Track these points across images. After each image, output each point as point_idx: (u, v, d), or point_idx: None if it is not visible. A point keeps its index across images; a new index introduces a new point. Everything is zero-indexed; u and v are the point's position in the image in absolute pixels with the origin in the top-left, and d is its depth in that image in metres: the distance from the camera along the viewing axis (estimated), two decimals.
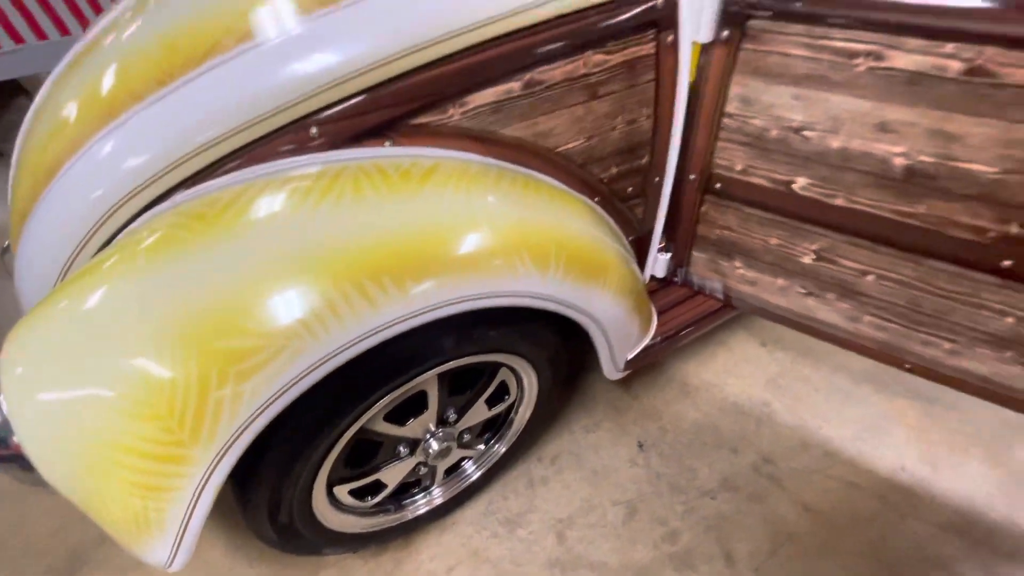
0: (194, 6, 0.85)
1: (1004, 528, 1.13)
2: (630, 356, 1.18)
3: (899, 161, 0.82)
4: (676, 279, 1.30)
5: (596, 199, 1.04)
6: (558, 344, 1.04)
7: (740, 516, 1.18)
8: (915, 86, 0.75)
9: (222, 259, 0.68)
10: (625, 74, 0.89)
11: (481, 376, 1.04)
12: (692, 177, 1.06)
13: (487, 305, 0.79)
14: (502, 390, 1.10)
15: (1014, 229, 0.78)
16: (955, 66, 0.71)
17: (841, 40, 0.77)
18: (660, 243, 1.23)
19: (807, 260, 1.03)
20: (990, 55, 0.68)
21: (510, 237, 0.81)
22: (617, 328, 1.06)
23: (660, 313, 1.26)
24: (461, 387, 1.03)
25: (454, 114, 0.83)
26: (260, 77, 0.77)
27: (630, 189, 1.07)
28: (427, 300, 0.72)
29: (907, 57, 0.73)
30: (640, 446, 1.32)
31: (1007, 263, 0.82)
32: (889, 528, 1.14)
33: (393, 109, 0.80)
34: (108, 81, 0.85)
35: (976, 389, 1.01)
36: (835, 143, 0.85)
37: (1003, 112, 0.71)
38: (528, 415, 1.16)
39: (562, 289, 0.88)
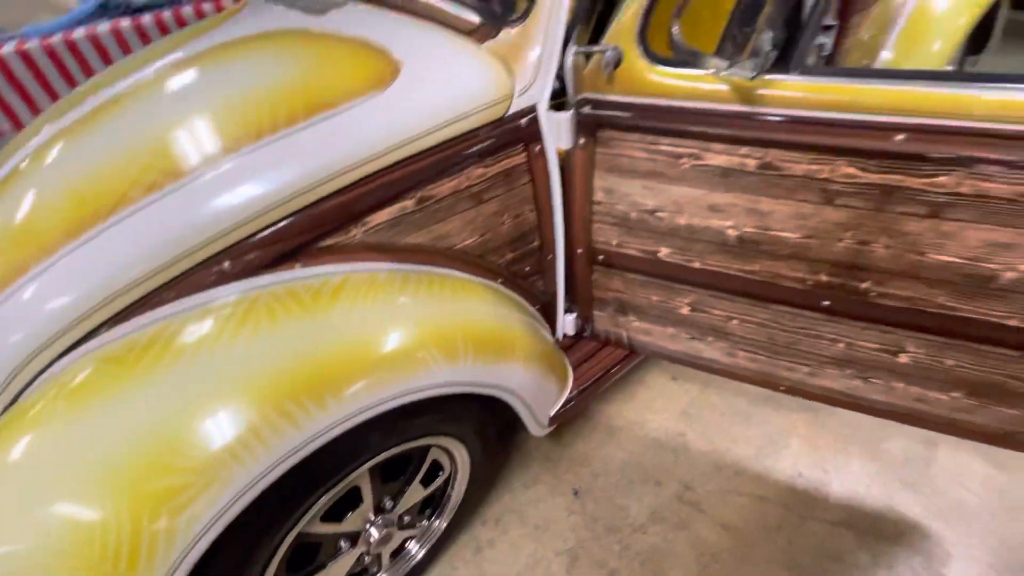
0: (99, 158, 0.92)
1: (884, 515, 1.31)
2: (552, 412, 1.29)
3: (731, 232, 1.00)
4: (586, 334, 1.44)
5: (499, 281, 1.17)
6: (483, 417, 1.14)
7: (669, 545, 1.30)
8: (727, 177, 0.94)
9: (145, 401, 0.73)
10: (504, 180, 1.03)
11: (413, 459, 1.11)
12: (580, 251, 1.22)
13: (405, 402, 0.88)
14: (437, 467, 1.18)
15: (823, 277, 0.98)
16: (751, 163, 0.90)
17: (668, 145, 0.95)
18: (565, 306, 1.37)
19: (685, 311, 1.20)
20: (774, 155, 0.88)
21: (418, 336, 0.91)
22: (533, 392, 1.17)
23: (576, 367, 1.40)
24: (395, 472, 1.09)
25: (356, 233, 0.93)
26: (172, 221, 0.84)
27: (528, 268, 1.21)
28: (347, 410, 0.80)
29: (717, 157, 0.92)
30: (575, 493, 1.42)
31: (826, 303, 1.01)
32: (794, 532, 1.30)
33: (301, 236, 0.89)
34: (13, 235, 0.89)
35: (837, 401, 1.20)
36: (682, 221, 1.03)
37: (792, 194, 0.90)
38: (465, 486, 1.23)
39: (474, 372, 0.99)
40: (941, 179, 0.79)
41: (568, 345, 1.45)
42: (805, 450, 1.46)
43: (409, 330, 0.90)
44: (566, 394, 1.32)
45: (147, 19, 2.49)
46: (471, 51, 1.00)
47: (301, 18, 1.19)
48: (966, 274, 0.86)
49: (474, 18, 1.05)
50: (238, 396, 0.74)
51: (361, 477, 0.97)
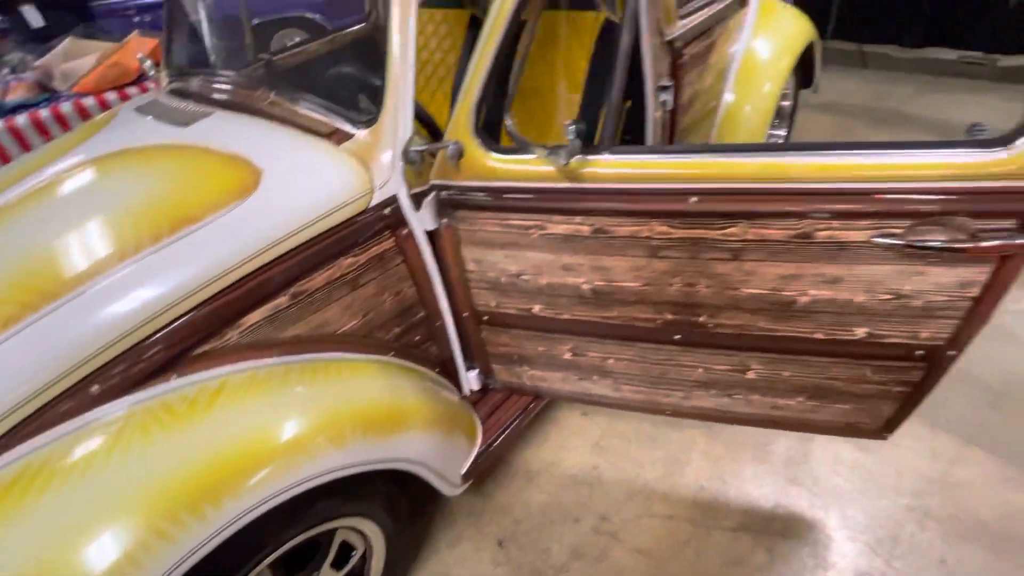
0: None
1: (775, 513, 1.45)
2: (463, 470, 1.34)
3: (585, 287, 1.13)
4: (492, 387, 1.52)
5: (391, 354, 1.23)
6: (389, 490, 1.17)
7: None
8: (570, 243, 1.06)
9: (30, 530, 0.73)
10: (378, 264, 1.11)
11: (321, 544, 1.12)
12: (466, 315, 1.31)
13: (294, 495, 0.91)
14: (349, 547, 1.19)
15: (668, 316, 1.12)
16: (585, 229, 1.03)
17: (516, 220, 1.07)
18: (466, 365, 1.44)
19: (568, 357, 1.31)
20: (602, 221, 1.02)
21: (301, 426, 0.95)
22: (437, 456, 1.22)
23: (487, 418, 1.46)
24: (303, 560, 1.10)
25: (232, 336, 0.97)
26: (33, 350, 0.85)
27: (418, 337, 1.28)
28: (229, 515, 0.82)
29: (558, 227, 1.05)
30: (500, 544, 1.46)
31: (677, 336, 1.15)
32: (701, 544, 1.40)
33: (174, 348, 0.92)
34: None
35: (713, 417, 1.33)
36: (543, 281, 1.15)
37: (624, 252, 1.04)
38: (384, 560, 1.25)
39: (366, 451, 1.03)
40: (731, 230, 0.95)
41: (477, 399, 1.52)
42: (705, 463, 1.59)
43: (291, 422, 0.94)
44: (476, 449, 1.38)
45: (22, 119, 2.42)
46: (330, 153, 1.08)
47: (167, 130, 1.24)
48: (772, 302, 1.02)
49: (331, 122, 1.15)
50: (110, 525, 0.75)
51: (264, 573, 0.98)
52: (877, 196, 0.86)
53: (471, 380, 1.47)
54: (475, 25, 2.16)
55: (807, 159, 0.88)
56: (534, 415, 1.53)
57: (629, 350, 1.23)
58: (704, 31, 1.81)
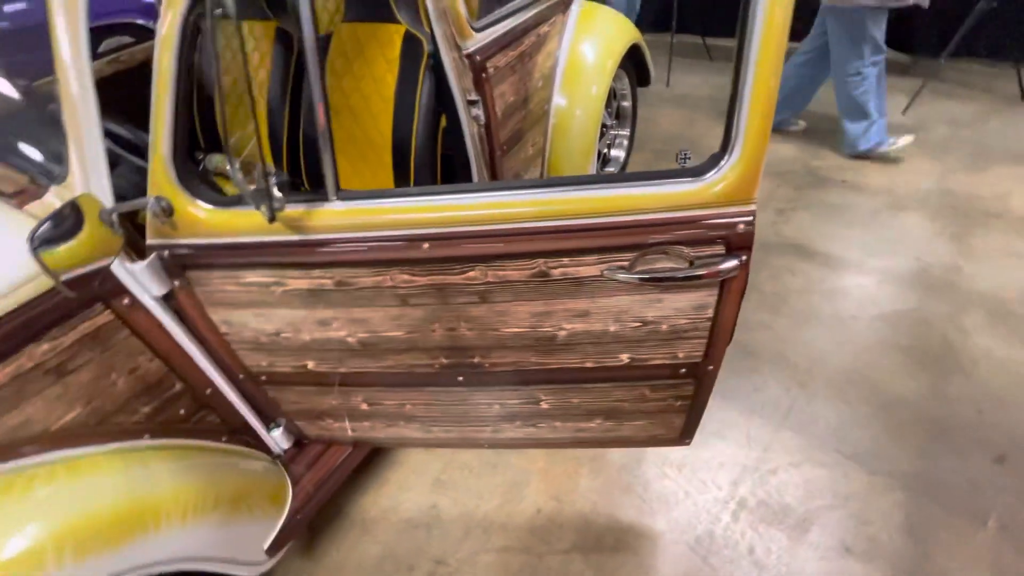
0: None
1: (607, 527, 1.46)
2: (267, 543, 1.22)
3: (351, 340, 1.03)
4: (306, 441, 1.39)
5: (146, 436, 1.07)
6: None
7: None
8: (317, 297, 0.96)
9: None
10: (92, 343, 0.95)
11: None
12: (242, 377, 1.17)
13: None
14: None
15: (444, 360, 1.05)
16: (327, 283, 0.94)
17: (252, 277, 0.95)
18: (266, 426, 1.31)
19: (365, 408, 1.22)
20: (340, 273, 0.93)
21: None
22: (216, 542, 1.09)
23: (304, 474, 1.34)
24: None
25: None
26: None
27: (183, 411, 1.13)
28: None
29: (298, 282, 0.95)
30: None
31: (460, 378, 1.09)
32: (532, 573, 1.38)
33: None
34: None
35: (529, 445, 1.30)
36: (306, 337, 1.04)
37: (374, 302, 0.96)
38: None
39: (97, 568, 0.88)
40: (471, 274, 0.89)
41: (294, 455, 1.39)
42: (543, 483, 1.57)
43: None
44: (284, 514, 1.26)
45: None
46: (7, 217, 0.90)
47: None
48: (535, 338, 0.99)
49: (20, 178, 0.96)
50: None
51: None
52: (598, 231, 0.84)
53: (278, 439, 1.34)
54: (282, 37, 1.99)
55: (528, 196, 0.84)
56: (365, 458, 1.43)
57: (421, 395, 1.16)
58: (510, 42, 1.77)
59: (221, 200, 0.91)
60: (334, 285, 0.94)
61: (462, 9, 1.56)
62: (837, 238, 2.33)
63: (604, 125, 2.58)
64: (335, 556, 1.46)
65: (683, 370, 1.03)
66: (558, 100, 2.20)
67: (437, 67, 1.63)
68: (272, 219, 0.81)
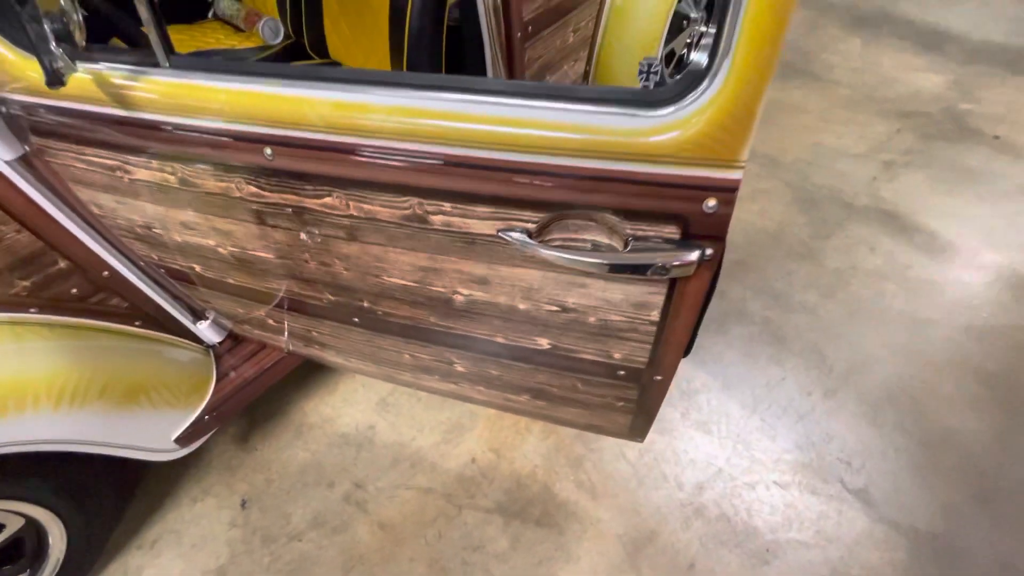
0: None
1: (538, 497, 1.31)
2: (177, 433, 1.18)
3: (223, 251, 0.85)
4: (241, 334, 1.30)
5: (32, 311, 0.99)
6: (54, 470, 1.02)
7: (321, 552, 1.26)
8: (167, 194, 0.77)
9: None
10: None
11: None
12: (142, 264, 1.04)
13: None
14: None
15: (330, 297, 0.86)
16: (171, 178, 0.73)
17: (93, 155, 0.76)
18: (191, 318, 1.21)
19: (272, 323, 1.07)
20: (182, 170, 0.71)
21: None
22: (105, 427, 1.05)
23: (233, 370, 1.27)
24: None
25: None
26: None
27: (75, 290, 1.03)
28: None
29: (140, 171, 0.75)
30: (243, 504, 1.35)
31: (356, 320, 0.90)
32: (447, 525, 1.28)
33: None
34: None
35: (453, 396, 1.13)
36: (177, 238, 0.87)
37: (230, 212, 0.75)
38: (65, 544, 1.12)
39: None
40: (328, 200, 0.65)
41: (230, 348, 1.31)
42: (487, 433, 1.42)
43: None
44: (199, 408, 1.21)
45: None
46: None
47: None
48: (428, 296, 0.75)
49: None
50: None
51: None
52: (491, 171, 0.55)
53: (204, 332, 1.25)
54: None
55: (393, 99, 0.56)
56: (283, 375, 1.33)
57: (322, 325, 0.99)
58: None
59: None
60: (178, 183, 0.74)
61: None
62: (954, 214, 1.78)
63: (684, 16, 2.03)
64: (265, 453, 1.43)
65: (621, 372, 0.77)
66: None
67: None
68: (53, 82, 0.59)
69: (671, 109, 0.47)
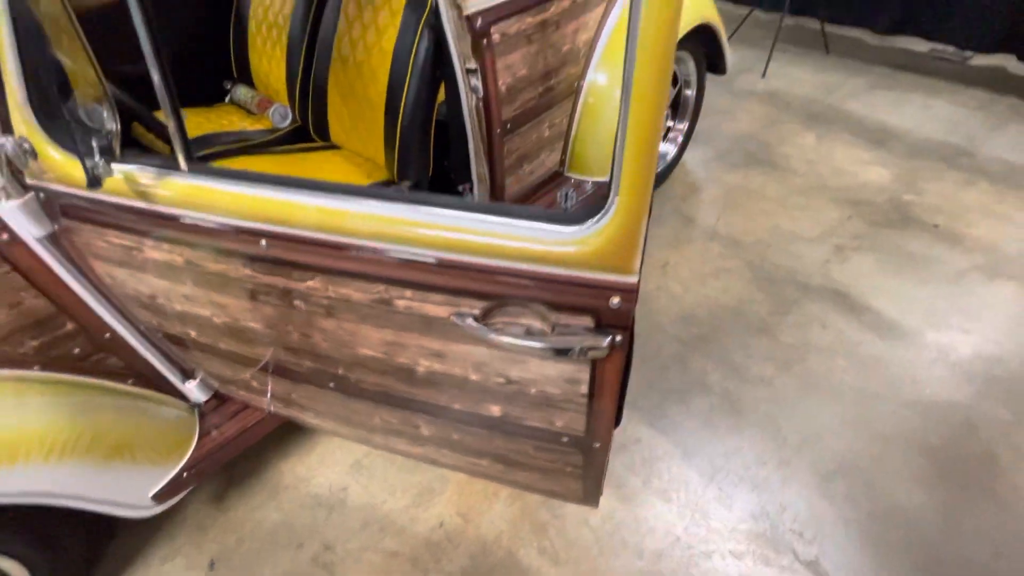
0: None
1: (501, 563, 1.34)
2: (155, 490, 1.23)
3: (217, 321, 0.96)
4: (226, 394, 1.38)
5: (35, 368, 1.08)
6: (32, 523, 1.07)
7: None
8: (175, 271, 0.89)
9: None
10: None
11: None
12: (143, 328, 1.15)
13: None
14: None
15: (309, 364, 0.96)
16: (179, 260, 0.86)
17: (115, 237, 0.89)
18: (180, 377, 1.30)
19: (256, 385, 1.16)
20: (189, 253, 0.84)
21: None
22: (86, 483, 1.10)
23: (216, 428, 1.34)
24: None
25: None
26: None
27: (78, 350, 1.13)
28: None
29: (153, 252, 0.87)
30: (212, 565, 1.37)
31: (332, 384, 0.99)
32: None
33: None
34: None
35: (425, 460, 1.20)
36: (178, 307, 0.99)
37: (226, 290, 0.87)
38: None
39: None
40: (311, 283, 0.77)
41: (216, 407, 1.39)
42: (457, 497, 1.47)
43: None
44: (178, 465, 1.27)
45: None
46: None
47: None
48: (393, 367, 0.86)
49: None
50: None
51: None
52: (445, 268, 0.68)
53: (192, 391, 1.34)
54: None
55: (366, 209, 0.69)
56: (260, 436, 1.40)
57: (301, 388, 1.08)
58: (530, 6, 1.55)
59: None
60: (185, 263, 0.86)
61: None
62: (899, 296, 1.93)
63: None
64: (239, 512, 1.47)
65: (564, 439, 0.86)
66: (596, 77, 1.94)
67: (438, 25, 1.47)
68: (92, 184, 0.73)
69: (581, 227, 0.60)
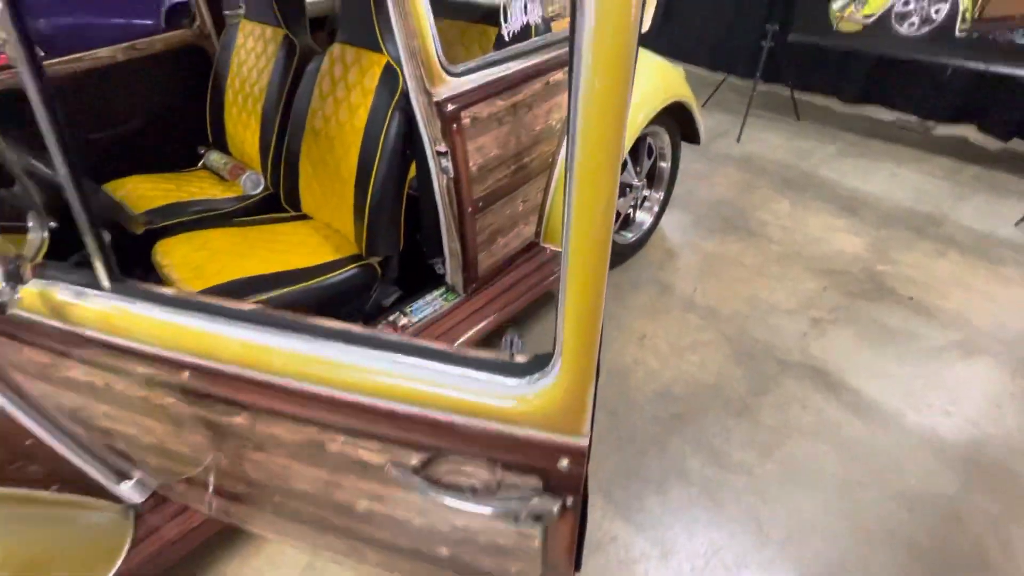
0: None
1: None
2: None
3: (145, 440, 0.88)
4: (165, 495, 1.27)
5: None
6: None
7: None
8: (91, 390, 0.81)
9: None
10: None
11: None
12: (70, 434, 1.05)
13: None
14: None
15: (242, 488, 0.87)
16: (99, 381, 0.78)
17: (31, 353, 0.82)
18: (114, 479, 1.19)
19: (195, 495, 1.06)
20: (111, 379, 0.76)
21: None
22: None
23: (154, 531, 1.22)
24: None
25: None
26: None
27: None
28: None
29: (70, 372, 0.80)
30: None
31: (270, 508, 0.91)
32: None
33: None
34: None
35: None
36: (103, 424, 0.90)
37: (148, 414, 0.79)
38: None
39: None
40: (237, 419, 0.70)
41: (152, 508, 1.27)
42: None
43: None
44: (111, 572, 1.14)
45: None
46: None
47: None
48: (333, 503, 0.78)
49: None
50: None
51: None
52: (377, 415, 0.61)
53: (128, 493, 1.22)
54: (288, 46, 1.90)
55: (297, 347, 0.63)
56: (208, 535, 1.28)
57: (241, 503, 0.98)
58: (500, 91, 1.55)
59: None
60: (104, 385, 0.78)
61: (435, 51, 1.36)
62: (879, 373, 1.89)
63: (628, 184, 2.29)
64: None
65: None
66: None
67: (408, 109, 1.46)
68: (4, 308, 0.66)
69: (522, 382, 0.54)
